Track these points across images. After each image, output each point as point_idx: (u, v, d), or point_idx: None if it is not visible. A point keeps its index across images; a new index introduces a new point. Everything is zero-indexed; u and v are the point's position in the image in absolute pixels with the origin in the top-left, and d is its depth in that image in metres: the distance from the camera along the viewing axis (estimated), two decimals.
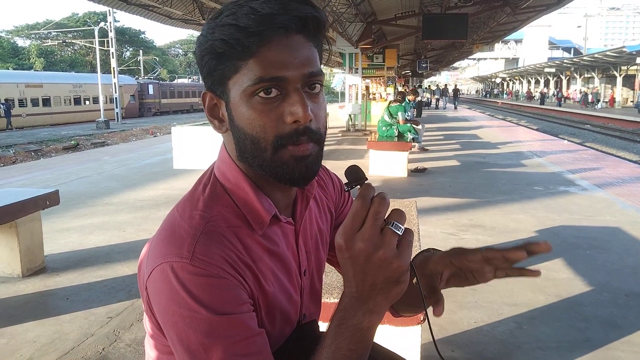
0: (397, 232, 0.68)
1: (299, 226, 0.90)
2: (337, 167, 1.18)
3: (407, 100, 11.02)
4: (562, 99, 42.83)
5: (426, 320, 0.89)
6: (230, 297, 0.72)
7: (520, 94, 61.62)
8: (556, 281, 3.57)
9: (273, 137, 0.75)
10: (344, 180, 0.81)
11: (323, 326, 1.02)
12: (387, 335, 1.67)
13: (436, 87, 42.65)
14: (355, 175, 0.77)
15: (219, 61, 0.76)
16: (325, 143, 0.83)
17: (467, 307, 3.14)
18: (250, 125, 0.76)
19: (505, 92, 72.91)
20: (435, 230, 4.80)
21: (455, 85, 37.59)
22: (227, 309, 0.71)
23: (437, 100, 35.80)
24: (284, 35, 0.74)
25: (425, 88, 38.25)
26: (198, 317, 0.70)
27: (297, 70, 0.74)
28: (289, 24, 0.73)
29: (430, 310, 0.86)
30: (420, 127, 10.62)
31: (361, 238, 0.68)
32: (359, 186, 0.75)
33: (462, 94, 65.91)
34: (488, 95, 79.99)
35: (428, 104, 32.32)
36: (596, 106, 37.59)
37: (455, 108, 32.27)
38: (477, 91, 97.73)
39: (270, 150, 0.76)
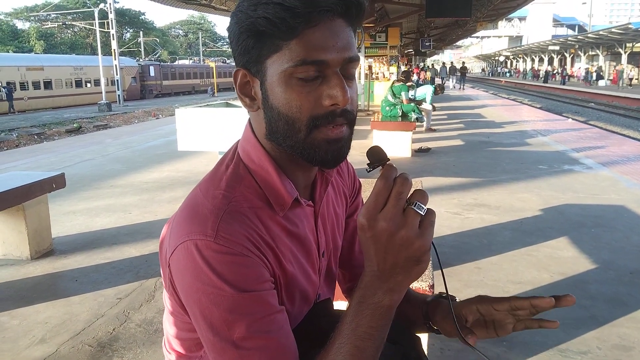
0: (420, 212, 0.68)
1: (319, 208, 0.91)
2: None
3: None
4: (567, 77, 42.34)
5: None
6: (253, 275, 0.73)
7: (527, 72, 60.92)
8: (561, 259, 3.58)
9: (308, 117, 0.75)
10: (365, 162, 0.80)
11: (337, 305, 1.03)
12: None
13: (441, 66, 40.33)
14: (377, 155, 0.77)
15: (258, 39, 0.75)
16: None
17: (473, 286, 3.17)
18: (287, 105, 0.75)
19: (509, 70, 72.19)
20: (440, 210, 4.79)
21: (463, 63, 34.35)
22: (251, 286, 0.73)
23: (443, 80, 33.50)
24: (329, 18, 0.73)
25: (428, 67, 36.77)
26: (222, 294, 0.71)
27: (338, 54, 0.74)
28: (334, 7, 0.73)
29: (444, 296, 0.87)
30: (429, 108, 10.54)
31: (383, 218, 0.68)
32: (380, 167, 0.74)
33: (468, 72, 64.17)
34: (491, 74, 79.28)
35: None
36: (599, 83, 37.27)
37: (463, 89, 30.09)
38: (483, 70, 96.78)
39: (304, 132, 0.76)
